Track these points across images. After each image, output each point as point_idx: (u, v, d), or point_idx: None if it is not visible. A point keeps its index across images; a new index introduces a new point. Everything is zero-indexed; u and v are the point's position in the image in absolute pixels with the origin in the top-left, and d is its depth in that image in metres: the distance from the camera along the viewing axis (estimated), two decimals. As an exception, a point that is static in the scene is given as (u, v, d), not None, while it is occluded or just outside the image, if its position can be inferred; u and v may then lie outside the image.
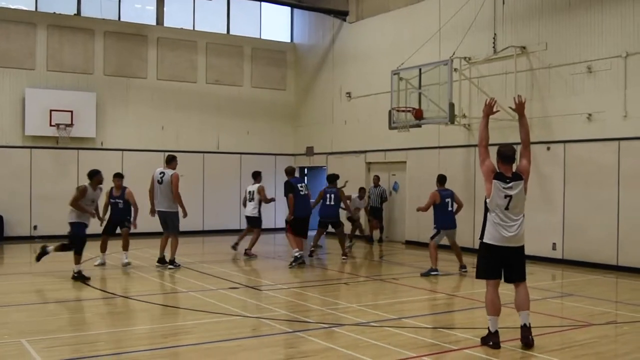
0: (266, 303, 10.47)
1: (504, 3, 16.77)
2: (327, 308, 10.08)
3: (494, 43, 16.93)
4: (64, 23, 21.03)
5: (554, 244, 15.53)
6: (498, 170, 7.62)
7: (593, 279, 13.40)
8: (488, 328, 7.57)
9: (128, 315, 9.70)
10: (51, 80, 20.67)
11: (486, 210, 7.59)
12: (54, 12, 20.94)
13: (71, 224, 12.69)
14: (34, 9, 20.85)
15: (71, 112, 20.41)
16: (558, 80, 15.60)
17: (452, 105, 15.55)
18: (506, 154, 7.66)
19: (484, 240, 7.58)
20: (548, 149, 15.72)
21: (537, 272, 14.05)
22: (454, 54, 16.15)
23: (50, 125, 20.19)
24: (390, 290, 12.16)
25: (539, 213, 15.50)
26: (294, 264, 14.52)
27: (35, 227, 20.24)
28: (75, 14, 21.40)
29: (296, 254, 14.61)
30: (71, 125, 20.36)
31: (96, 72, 21.41)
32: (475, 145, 17.20)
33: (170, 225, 14.49)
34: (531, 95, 16.03)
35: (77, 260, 12.50)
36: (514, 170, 7.70)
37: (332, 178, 16.47)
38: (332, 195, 15.97)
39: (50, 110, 20.18)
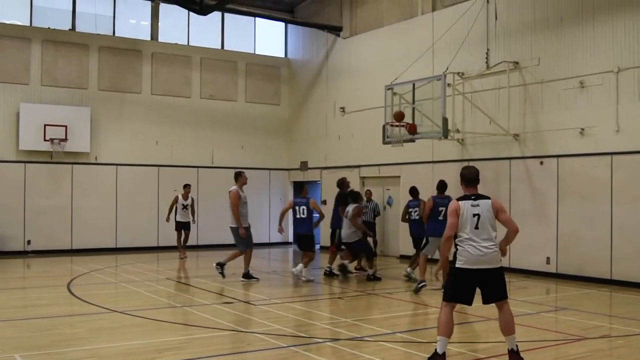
0: (261, 318, 10.44)
1: (496, 19, 16.88)
2: (322, 323, 10.08)
3: (486, 58, 17.01)
4: (58, 38, 21.10)
5: (548, 258, 15.53)
6: (463, 194, 7.51)
7: (587, 292, 13.41)
8: (435, 349, 7.20)
9: (121, 331, 9.66)
10: (46, 95, 20.71)
11: (456, 238, 7.34)
12: (49, 27, 21.02)
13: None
14: (28, 24, 20.90)
15: (65, 126, 20.46)
16: (551, 95, 15.66)
17: (445, 120, 15.59)
18: (469, 176, 7.58)
19: (456, 265, 7.26)
20: (541, 163, 15.76)
21: (530, 287, 14.08)
22: (447, 69, 16.24)
23: (45, 140, 20.22)
24: (384, 305, 12.15)
25: (533, 227, 15.53)
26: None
27: (29, 242, 20.22)
28: (70, 29, 21.47)
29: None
30: (65, 140, 20.40)
31: (91, 87, 21.45)
32: (469, 160, 17.29)
33: (236, 240, 14.79)
34: (524, 110, 16.12)
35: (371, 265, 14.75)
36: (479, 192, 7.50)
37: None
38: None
39: (45, 125, 20.22)
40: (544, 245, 15.60)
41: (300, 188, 17.47)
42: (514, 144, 16.33)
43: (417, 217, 14.56)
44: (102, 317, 10.63)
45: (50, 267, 17.46)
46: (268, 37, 25.19)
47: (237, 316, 10.62)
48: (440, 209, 13.22)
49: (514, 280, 14.93)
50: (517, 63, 16.28)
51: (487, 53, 17.02)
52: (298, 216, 14.96)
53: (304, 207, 14.88)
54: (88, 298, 12.20)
